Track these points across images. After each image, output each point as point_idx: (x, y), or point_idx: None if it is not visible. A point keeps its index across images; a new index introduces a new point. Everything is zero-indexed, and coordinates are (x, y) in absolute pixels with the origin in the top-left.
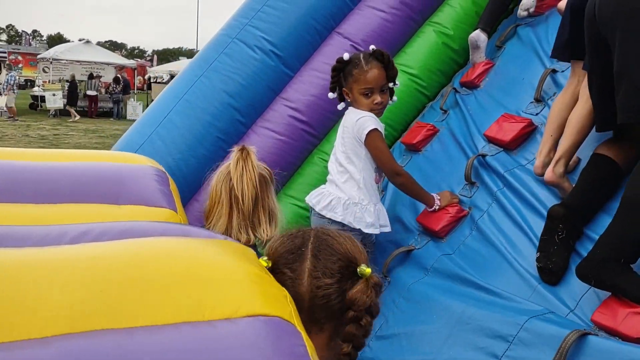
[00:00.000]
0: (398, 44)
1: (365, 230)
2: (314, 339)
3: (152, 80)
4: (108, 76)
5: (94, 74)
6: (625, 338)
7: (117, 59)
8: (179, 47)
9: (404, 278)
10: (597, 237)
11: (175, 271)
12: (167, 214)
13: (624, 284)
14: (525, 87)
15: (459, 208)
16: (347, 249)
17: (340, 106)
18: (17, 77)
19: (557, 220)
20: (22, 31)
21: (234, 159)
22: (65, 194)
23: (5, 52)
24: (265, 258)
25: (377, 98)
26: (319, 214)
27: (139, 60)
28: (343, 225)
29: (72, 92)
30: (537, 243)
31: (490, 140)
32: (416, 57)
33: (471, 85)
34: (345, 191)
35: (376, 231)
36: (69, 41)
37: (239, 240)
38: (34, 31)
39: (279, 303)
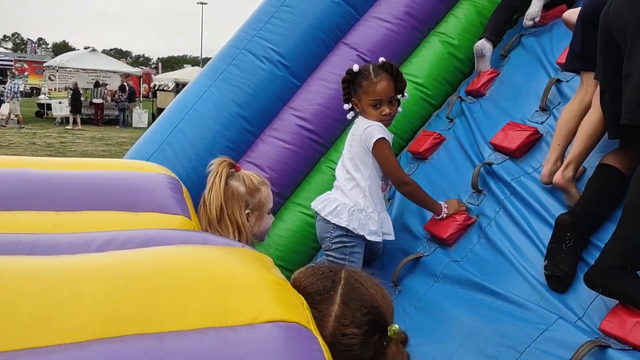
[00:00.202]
0: (403, 54)
1: (368, 237)
2: None
3: (157, 88)
4: (114, 84)
5: (100, 82)
6: (636, 348)
7: (123, 67)
8: (184, 55)
9: (414, 287)
10: (603, 246)
11: (200, 278)
12: (181, 220)
13: (631, 292)
14: (530, 96)
15: (466, 216)
16: (378, 303)
17: (350, 115)
18: (21, 85)
19: (564, 229)
20: (28, 39)
21: (212, 170)
22: (83, 201)
23: (11, 60)
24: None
25: (386, 109)
26: (324, 219)
27: (144, 68)
28: (347, 230)
29: (76, 100)
30: (544, 251)
31: (496, 148)
32: (422, 66)
33: (477, 94)
34: (351, 198)
35: (378, 239)
36: (74, 49)
37: None
38: (40, 39)
39: (297, 309)
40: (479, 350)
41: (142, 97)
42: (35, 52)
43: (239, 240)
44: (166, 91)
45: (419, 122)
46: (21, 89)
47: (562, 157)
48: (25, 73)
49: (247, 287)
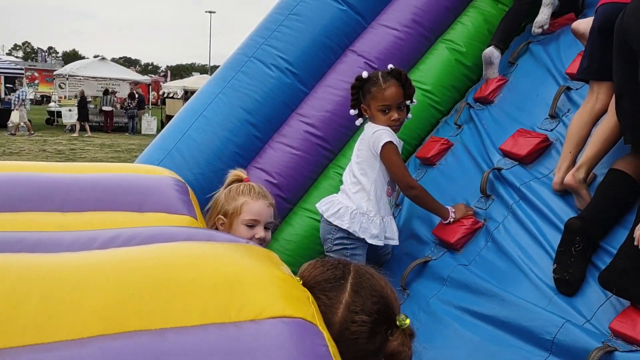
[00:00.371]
0: (411, 61)
1: (369, 241)
2: None
3: (166, 96)
4: (123, 92)
5: (109, 90)
6: None
7: (132, 75)
8: (192, 63)
9: (422, 291)
10: (612, 250)
11: (203, 274)
12: (187, 220)
13: None
14: (538, 103)
15: (474, 220)
16: (387, 294)
17: (359, 122)
18: (31, 93)
19: (574, 233)
20: (38, 48)
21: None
22: (91, 202)
23: (22, 69)
24: (297, 278)
25: (394, 115)
26: (327, 221)
27: (153, 76)
28: (349, 233)
29: (83, 108)
30: (553, 255)
31: (506, 154)
32: (429, 73)
33: (485, 101)
34: (355, 201)
35: (380, 243)
36: (83, 57)
37: None
38: (50, 48)
39: (302, 304)
40: (490, 353)
41: (151, 104)
42: (46, 61)
43: None
44: (175, 99)
45: (426, 128)
46: (31, 97)
47: (573, 164)
48: (36, 81)
49: (251, 282)
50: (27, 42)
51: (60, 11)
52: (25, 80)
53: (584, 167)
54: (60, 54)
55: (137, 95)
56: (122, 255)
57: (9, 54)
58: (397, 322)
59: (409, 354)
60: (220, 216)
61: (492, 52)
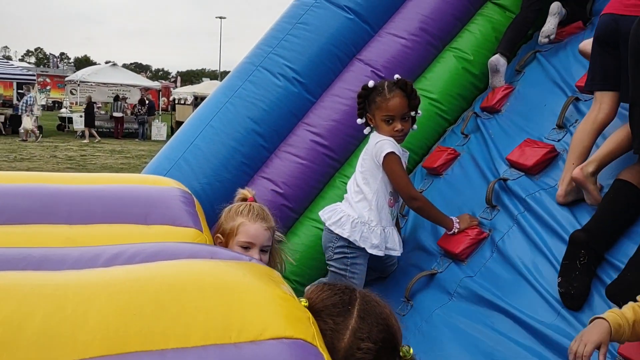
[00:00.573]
0: (418, 70)
1: (369, 251)
2: None
3: (176, 102)
4: (134, 98)
5: (120, 96)
6: None
7: (142, 81)
8: (202, 69)
9: (427, 303)
10: (617, 262)
11: (205, 294)
12: (193, 233)
13: None
14: (546, 113)
15: (478, 230)
16: (392, 323)
17: (366, 130)
18: (42, 98)
19: (578, 246)
20: (50, 54)
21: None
22: (97, 215)
23: (34, 75)
24: (304, 300)
25: (398, 125)
26: (329, 229)
27: (164, 81)
28: (349, 242)
29: (89, 114)
30: (558, 267)
31: (512, 164)
32: (436, 82)
33: (492, 110)
34: (357, 210)
35: (380, 253)
36: (95, 63)
37: None
38: (62, 54)
39: (303, 325)
40: None
41: (162, 110)
42: (58, 67)
43: None
44: (185, 105)
45: (433, 137)
46: (43, 103)
47: None
48: (48, 87)
49: (252, 302)
50: (39, 48)
51: (72, 17)
52: (37, 86)
53: (594, 163)
54: (72, 60)
55: (147, 102)
56: (125, 275)
57: (21, 59)
58: (401, 353)
59: None
60: (218, 234)
61: (498, 60)
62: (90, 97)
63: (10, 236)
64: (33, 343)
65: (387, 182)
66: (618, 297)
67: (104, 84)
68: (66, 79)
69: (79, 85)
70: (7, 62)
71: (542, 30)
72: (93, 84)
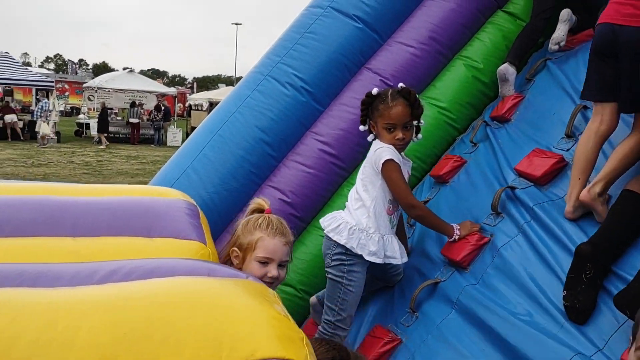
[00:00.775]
0: (427, 78)
1: (367, 258)
2: None
3: (192, 108)
4: (150, 104)
5: (137, 102)
6: None
7: (159, 87)
8: (218, 75)
9: (432, 314)
10: (624, 274)
11: (197, 313)
12: (196, 246)
13: None
14: (555, 122)
15: (479, 236)
16: None
17: (370, 137)
18: (60, 104)
19: (584, 259)
20: (69, 60)
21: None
22: (102, 227)
23: (52, 81)
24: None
25: (399, 134)
26: (327, 236)
27: (180, 87)
28: (347, 249)
29: (103, 119)
30: (563, 278)
31: (521, 174)
32: (446, 90)
33: (502, 120)
34: (355, 217)
35: (378, 260)
36: (113, 70)
37: None
38: (81, 60)
39: (295, 346)
40: None
41: (177, 116)
42: (76, 73)
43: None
44: (200, 110)
45: (443, 146)
46: (61, 109)
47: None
48: (66, 93)
49: (245, 322)
50: (58, 54)
51: (91, 24)
52: (55, 93)
53: (601, 183)
54: (90, 66)
55: (163, 107)
56: (118, 293)
57: (41, 66)
58: None
59: None
60: (234, 248)
61: (506, 68)
62: (104, 103)
63: (14, 249)
64: None
65: (386, 189)
66: (626, 306)
67: (121, 90)
68: (84, 85)
69: (96, 91)
70: (26, 69)
71: (552, 37)
72: (110, 90)
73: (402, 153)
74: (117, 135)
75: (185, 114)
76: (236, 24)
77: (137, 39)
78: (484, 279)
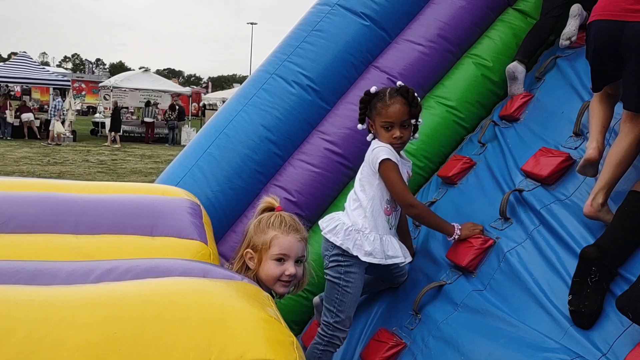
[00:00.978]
0: (436, 77)
1: (363, 259)
2: None
3: (206, 107)
4: (165, 103)
5: (151, 102)
6: None
7: (173, 86)
8: (233, 74)
9: (434, 315)
10: (632, 278)
11: (188, 314)
12: (197, 246)
13: None
14: (563, 121)
15: (483, 239)
16: None
17: (369, 137)
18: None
19: (589, 263)
20: (86, 59)
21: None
22: (104, 225)
23: (69, 80)
24: None
25: (397, 133)
26: (325, 237)
27: (195, 87)
28: (343, 250)
29: (116, 118)
30: (570, 283)
31: (528, 174)
32: (455, 89)
33: (511, 119)
34: (352, 218)
35: (375, 260)
36: (129, 69)
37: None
38: (98, 60)
39: (285, 349)
40: None
41: (192, 115)
42: (93, 72)
43: (246, 276)
44: (214, 110)
45: (451, 145)
46: (78, 108)
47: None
48: (83, 92)
49: (235, 324)
50: (76, 54)
51: (109, 24)
52: (72, 92)
53: (602, 193)
54: (107, 66)
55: (177, 107)
56: (111, 292)
57: (59, 65)
58: None
59: None
60: (249, 250)
61: (515, 67)
62: (116, 102)
63: (17, 245)
64: (13, 358)
65: (384, 189)
66: (626, 309)
67: (136, 89)
68: (100, 84)
69: (112, 90)
70: (43, 68)
71: (563, 33)
72: (126, 90)
73: (401, 152)
74: (132, 134)
75: (199, 114)
76: (251, 23)
77: (154, 39)
78: (491, 284)
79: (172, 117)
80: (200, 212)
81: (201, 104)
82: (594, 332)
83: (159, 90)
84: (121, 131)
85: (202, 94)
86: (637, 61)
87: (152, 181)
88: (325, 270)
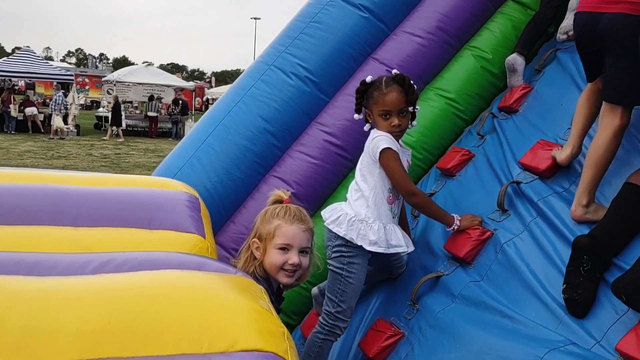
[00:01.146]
0: (434, 69)
1: (368, 248)
2: None
3: (209, 102)
4: (168, 98)
5: (155, 96)
6: None
7: (177, 81)
8: (237, 69)
9: (431, 305)
10: (627, 267)
11: (180, 306)
12: (195, 239)
13: None
14: (562, 113)
15: (481, 230)
16: None
17: (367, 127)
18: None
19: (581, 252)
20: (89, 54)
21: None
22: (103, 218)
23: (72, 75)
24: None
25: (395, 121)
26: (328, 228)
27: (198, 82)
28: (346, 241)
29: (116, 112)
30: None
31: (526, 168)
32: (454, 81)
33: (509, 111)
34: (354, 208)
35: (380, 250)
36: (133, 64)
37: None
38: (101, 54)
39: (276, 339)
40: None
41: (195, 110)
42: (97, 67)
43: (251, 266)
44: None
45: (450, 137)
46: (82, 102)
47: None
48: (87, 87)
49: (227, 315)
50: (80, 49)
51: (112, 19)
52: (75, 86)
53: (585, 194)
54: (111, 61)
55: (180, 102)
56: (106, 283)
57: (62, 60)
58: None
59: None
60: (255, 239)
61: (515, 59)
62: (116, 97)
63: (17, 237)
64: (7, 349)
65: (385, 178)
66: (620, 292)
67: (140, 84)
68: (103, 79)
69: (115, 85)
70: (47, 63)
71: (560, 27)
72: (129, 84)
73: (400, 141)
74: (136, 129)
75: (203, 108)
76: (255, 18)
77: (158, 34)
78: (488, 275)
79: (175, 112)
80: (199, 205)
81: (205, 99)
82: (589, 320)
83: (162, 85)
84: (124, 125)
85: (205, 89)
86: (612, 52)
87: None
88: (327, 261)
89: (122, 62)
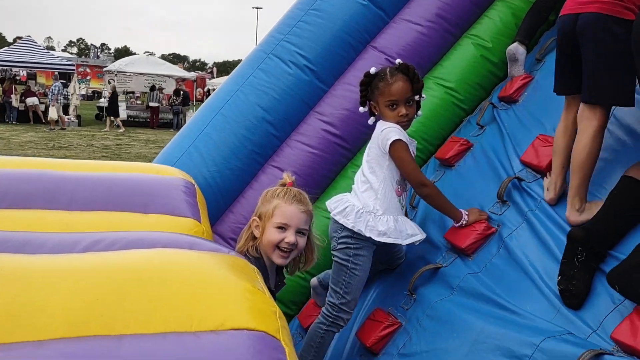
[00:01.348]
0: (434, 57)
1: (377, 239)
2: None
3: (210, 93)
4: (169, 88)
5: (156, 86)
6: None
7: (178, 71)
8: (239, 60)
9: (429, 296)
10: (623, 258)
11: (171, 283)
12: (190, 223)
13: None
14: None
15: (486, 225)
16: None
17: (371, 120)
18: (81, 88)
19: (576, 243)
20: (91, 44)
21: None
22: (97, 202)
23: (73, 65)
24: None
25: (402, 110)
26: (334, 219)
27: (200, 72)
28: (353, 232)
29: (113, 103)
30: None
31: (527, 165)
32: (453, 70)
33: (509, 100)
34: (362, 200)
35: (390, 240)
36: (134, 54)
37: None
38: (103, 44)
39: (267, 318)
40: (485, 359)
41: (196, 100)
42: (98, 57)
43: (252, 245)
44: None
45: (450, 127)
46: (83, 92)
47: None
48: (88, 77)
49: (217, 293)
50: (81, 38)
51: (113, 9)
52: (76, 76)
53: (576, 199)
54: (112, 51)
55: (182, 92)
56: (94, 261)
57: (64, 50)
58: None
59: None
60: (255, 217)
61: (516, 48)
62: (114, 87)
63: (11, 221)
64: None
65: (394, 170)
66: (613, 282)
67: (141, 74)
68: (104, 69)
69: (116, 75)
70: (48, 53)
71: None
72: (131, 74)
73: (406, 132)
74: (137, 119)
75: (204, 99)
76: (257, 8)
77: (159, 24)
78: (487, 268)
79: (176, 102)
80: (195, 191)
81: (206, 89)
82: (585, 310)
83: (164, 75)
84: (126, 116)
85: (207, 79)
86: (589, 50)
87: None
88: (333, 252)
89: (123, 52)
